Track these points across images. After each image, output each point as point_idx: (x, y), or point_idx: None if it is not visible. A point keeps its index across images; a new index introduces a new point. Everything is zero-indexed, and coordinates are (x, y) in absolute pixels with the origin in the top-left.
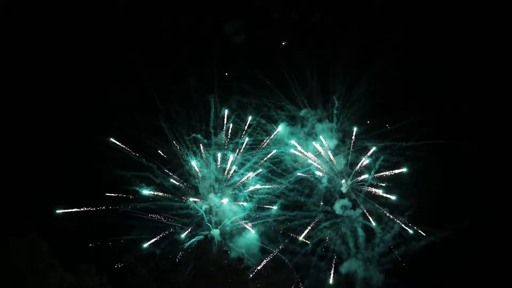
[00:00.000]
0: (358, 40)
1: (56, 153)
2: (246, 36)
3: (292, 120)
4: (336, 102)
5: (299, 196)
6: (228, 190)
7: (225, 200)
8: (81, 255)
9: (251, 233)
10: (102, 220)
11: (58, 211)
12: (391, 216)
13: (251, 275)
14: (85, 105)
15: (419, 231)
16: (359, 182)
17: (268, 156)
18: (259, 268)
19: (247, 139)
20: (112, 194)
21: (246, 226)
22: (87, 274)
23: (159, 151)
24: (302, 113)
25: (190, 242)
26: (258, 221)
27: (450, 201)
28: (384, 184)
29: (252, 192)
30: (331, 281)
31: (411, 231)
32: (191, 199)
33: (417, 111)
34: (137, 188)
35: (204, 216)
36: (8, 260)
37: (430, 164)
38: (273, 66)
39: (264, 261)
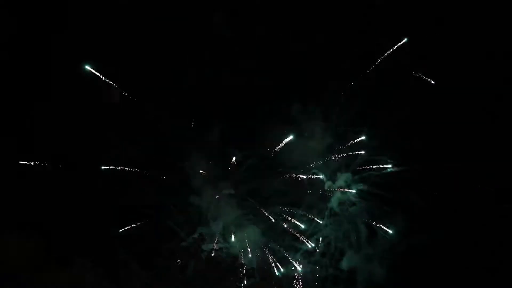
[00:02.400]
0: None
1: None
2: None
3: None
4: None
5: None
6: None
7: None
8: (77, 250)
9: (253, 229)
10: (99, 215)
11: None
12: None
13: (246, 273)
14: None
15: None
16: (355, 178)
17: None
18: (256, 265)
19: None
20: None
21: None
22: (83, 269)
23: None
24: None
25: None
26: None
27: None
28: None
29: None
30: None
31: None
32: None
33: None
34: None
35: (204, 211)
36: (2, 257)
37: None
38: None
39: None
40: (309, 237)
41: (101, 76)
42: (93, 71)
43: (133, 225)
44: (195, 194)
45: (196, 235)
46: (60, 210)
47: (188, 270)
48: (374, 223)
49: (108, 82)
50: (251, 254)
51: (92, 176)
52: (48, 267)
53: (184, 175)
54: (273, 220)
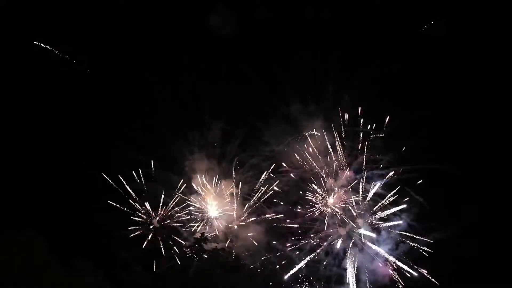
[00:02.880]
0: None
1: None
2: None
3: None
4: None
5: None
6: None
7: None
8: (78, 252)
9: (256, 229)
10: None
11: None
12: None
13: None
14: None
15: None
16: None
17: None
18: (259, 264)
19: None
20: None
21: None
22: (84, 271)
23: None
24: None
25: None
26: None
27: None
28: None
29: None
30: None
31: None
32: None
33: None
34: None
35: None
36: (4, 257)
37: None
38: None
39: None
40: (313, 236)
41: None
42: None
43: (134, 226)
44: (197, 193)
45: (198, 235)
46: (61, 212)
47: (190, 271)
48: (378, 222)
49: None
50: (254, 253)
51: (92, 178)
52: (49, 269)
53: (186, 175)
54: (277, 219)
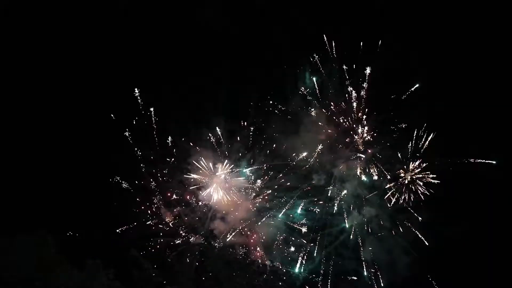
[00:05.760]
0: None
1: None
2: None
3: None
4: None
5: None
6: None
7: None
8: (88, 251)
9: (267, 225)
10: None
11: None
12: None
13: (258, 269)
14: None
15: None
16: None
17: None
18: (269, 261)
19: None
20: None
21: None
22: (95, 270)
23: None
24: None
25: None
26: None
27: None
28: None
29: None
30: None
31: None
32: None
33: None
34: None
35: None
36: (14, 257)
37: None
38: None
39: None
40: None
41: None
42: None
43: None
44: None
45: (207, 232)
46: (72, 211)
47: (200, 268)
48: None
49: None
50: (264, 250)
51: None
52: (60, 268)
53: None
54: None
